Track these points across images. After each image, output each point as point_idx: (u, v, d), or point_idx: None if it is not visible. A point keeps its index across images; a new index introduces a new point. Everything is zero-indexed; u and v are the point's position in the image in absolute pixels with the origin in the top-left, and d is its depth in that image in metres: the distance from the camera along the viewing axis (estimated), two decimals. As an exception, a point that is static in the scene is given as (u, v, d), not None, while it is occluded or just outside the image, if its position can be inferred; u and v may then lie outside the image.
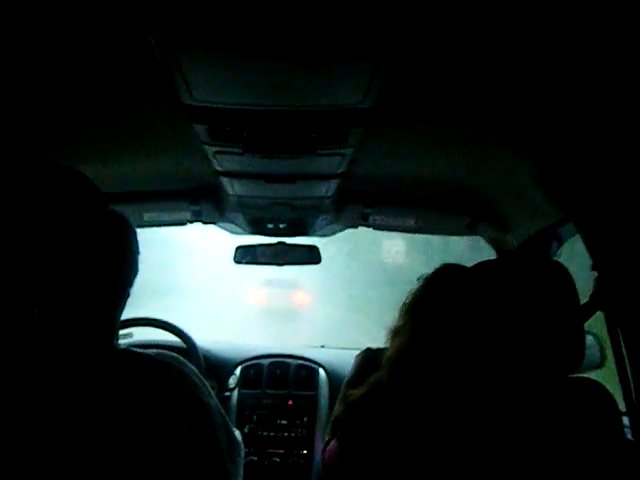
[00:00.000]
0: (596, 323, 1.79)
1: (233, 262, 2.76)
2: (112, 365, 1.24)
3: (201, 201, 2.36)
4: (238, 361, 3.16)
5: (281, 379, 3.08)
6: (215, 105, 1.39)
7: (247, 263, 2.75)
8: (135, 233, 1.36)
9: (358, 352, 1.91)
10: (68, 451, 1.13)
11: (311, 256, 2.76)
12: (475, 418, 1.40)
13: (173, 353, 1.37)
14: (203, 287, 21.72)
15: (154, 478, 1.18)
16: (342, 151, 1.68)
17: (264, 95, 1.35)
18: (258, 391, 3.04)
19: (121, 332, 2.58)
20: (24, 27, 1.06)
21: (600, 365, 2.06)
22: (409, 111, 1.53)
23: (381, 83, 1.23)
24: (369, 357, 1.76)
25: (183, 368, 1.34)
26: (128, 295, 1.34)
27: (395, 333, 1.61)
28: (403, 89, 1.34)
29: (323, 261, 2.82)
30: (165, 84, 1.26)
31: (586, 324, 1.63)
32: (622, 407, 1.56)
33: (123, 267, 1.30)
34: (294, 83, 1.28)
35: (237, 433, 1.57)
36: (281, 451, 2.92)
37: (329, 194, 2.19)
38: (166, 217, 2.45)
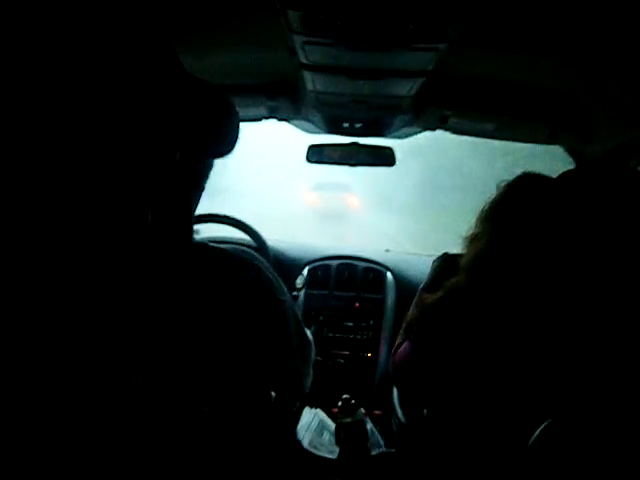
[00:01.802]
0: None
1: (306, 161, 2.72)
2: (192, 258, 1.24)
3: (279, 97, 2.30)
4: (306, 261, 3.19)
5: (349, 281, 3.10)
6: None
7: (319, 162, 2.70)
8: None
9: (424, 257, 1.90)
10: (150, 337, 1.15)
11: (385, 157, 2.69)
12: (552, 322, 1.39)
13: (248, 248, 1.36)
14: (257, 189, 21.93)
15: (228, 367, 1.20)
16: (437, 46, 1.60)
17: None
18: (325, 292, 3.07)
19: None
20: None
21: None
22: (508, 11, 1.45)
23: None
24: (447, 262, 1.76)
25: (258, 264, 1.33)
26: (203, 189, 1.32)
27: (473, 238, 1.61)
28: None
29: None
30: None
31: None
32: None
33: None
34: None
35: (309, 332, 1.59)
36: (346, 352, 2.97)
37: (411, 93, 2.11)
38: (241, 113, 2.40)
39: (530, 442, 1.19)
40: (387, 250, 3.67)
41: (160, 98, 1.06)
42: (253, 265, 1.31)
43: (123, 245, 1.09)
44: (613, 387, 1.29)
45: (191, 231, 1.30)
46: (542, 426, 1.19)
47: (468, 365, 1.48)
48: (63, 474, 0.99)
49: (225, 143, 1.27)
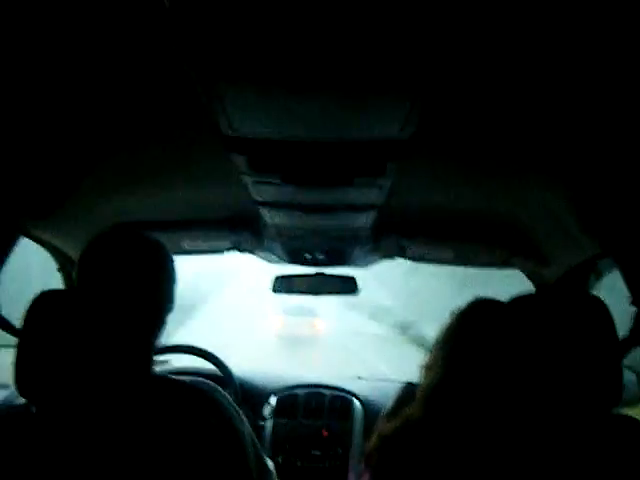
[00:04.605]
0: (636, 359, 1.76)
1: (271, 291, 2.78)
2: (149, 392, 1.26)
3: (240, 230, 2.36)
4: (273, 390, 3.17)
5: (316, 409, 3.07)
6: (254, 136, 1.41)
7: (285, 292, 2.76)
8: (172, 261, 1.39)
9: (394, 384, 1.90)
10: (109, 471, 1.16)
11: (348, 287, 2.76)
12: (511, 454, 1.38)
13: (208, 381, 1.39)
14: (225, 316, 21.98)
15: None
16: (379, 183, 1.68)
17: (302, 127, 1.37)
18: (293, 421, 3.03)
19: (158, 359, 2.60)
20: (67, 52, 1.08)
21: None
22: (445, 144, 1.54)
23: (417, 116, 1.23)
24: (408, 391, 1.74)
25: (217, 396, 1.36)
26: (164, 323, 1.36)
27: (429, 367, 1.60)
28: (439, 122, 1.35)
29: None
30: (205, 115, 1.27)
31: (625, 360, 1.61)
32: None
33: (159, 294, 1.33)
34: (332, 116, 1.29)
35: (270, 463, 1.58)
36: None
37: (367, 225, 2.19)
38: (205, 245, 2.46)
39: None
40: (359, 377, 3.66)
41: None
42: (212, 398, 1.34)
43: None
44: None
45: (149, 364, 1.33)
46: None
47: None
48: None
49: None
